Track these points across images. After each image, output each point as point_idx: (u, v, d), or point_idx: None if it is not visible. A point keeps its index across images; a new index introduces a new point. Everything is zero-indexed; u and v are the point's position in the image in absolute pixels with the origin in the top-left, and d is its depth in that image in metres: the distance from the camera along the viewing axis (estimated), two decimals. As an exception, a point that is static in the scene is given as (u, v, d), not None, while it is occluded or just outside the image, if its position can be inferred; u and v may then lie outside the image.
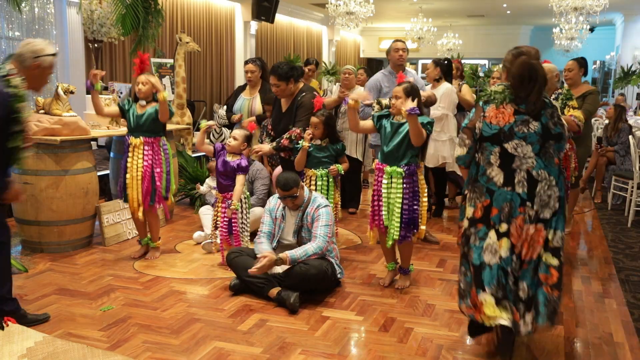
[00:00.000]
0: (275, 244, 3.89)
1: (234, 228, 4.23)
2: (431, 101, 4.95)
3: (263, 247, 3.78)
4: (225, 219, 4.22)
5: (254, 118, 5.41)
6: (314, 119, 4.39)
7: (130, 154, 4.28)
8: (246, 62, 5.56)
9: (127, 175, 4.27)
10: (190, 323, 3.32)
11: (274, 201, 3.98)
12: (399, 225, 3.73)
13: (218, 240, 4.39)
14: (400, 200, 3.72)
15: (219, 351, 2.99)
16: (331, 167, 4.38)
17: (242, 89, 5.74)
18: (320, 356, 2.98)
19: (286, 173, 3.90)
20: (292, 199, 3.80)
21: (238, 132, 4.31)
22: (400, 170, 3.71)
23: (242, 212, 4.26)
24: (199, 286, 3.92)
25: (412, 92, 3.72)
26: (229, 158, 4.28)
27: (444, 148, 5.65)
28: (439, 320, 3.44)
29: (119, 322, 3.30)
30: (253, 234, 4.22)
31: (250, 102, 5.54)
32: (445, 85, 5.67)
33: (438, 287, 3.99)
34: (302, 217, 3.84)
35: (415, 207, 3.77)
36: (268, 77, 5.48)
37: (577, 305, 3.75)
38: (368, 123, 3.96)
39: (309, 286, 3.64)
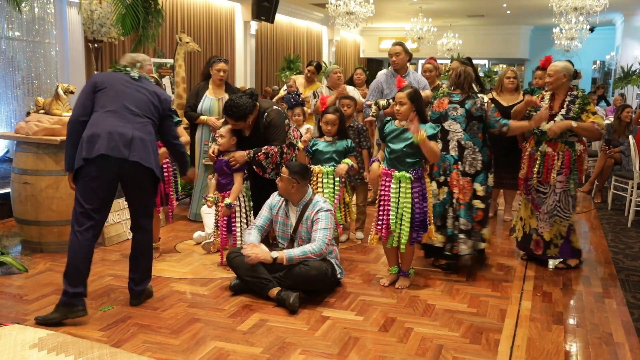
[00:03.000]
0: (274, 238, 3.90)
1: (232, 227, 4.21)
2: (428, 102, 4.94)
3: (250, 238, 3.80)
4: (225, 218, 4.21)
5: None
6: (330, 117, 4.38)
7: None
8: (218, 60, 5.34)
9: None
10: (190, 323, 3.32)
11: (278, 197, 3.97)
12: (408, 229, 3.75)
13: (217, 239, 4.37)
14: (410, 205, 3.73)
15: (219, 351, 2.99)
16: (338, 167, 4.36)
17: (203, 87, 5.43)
18: (320, 356, 2.98)
19: (302, 164, 3.96)
20: (282, 182, 3.78)
21: (223, 130, 4.23)
22: (409, 175, 3.72)
23: (241, 210, 4.24)
24: (199, 286, 3.92)
25: (415, 97, 3.74)
26: (222, 157, 4.27)
27: None
28: (439, 320, 3.44)
29: (119, 322, 3.30)
30: None
31: (220, 103, 5.29)
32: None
33: (438, 287, 3.99)
34: (300, 217, 3.84)
35: (425, 209, 3.79)
36: (232, 76, 5.43)
37: (577, 305, 3.75)
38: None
39: (310, 287, 3.64)
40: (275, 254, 3.61)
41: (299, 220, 3.83)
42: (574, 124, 4.13)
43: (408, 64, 5.43)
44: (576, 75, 4.47)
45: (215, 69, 5.32)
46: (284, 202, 3.92)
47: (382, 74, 5.50)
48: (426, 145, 3.62)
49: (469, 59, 6.02)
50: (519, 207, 4.67)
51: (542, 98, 4.40)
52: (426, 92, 4.92)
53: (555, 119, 4.25)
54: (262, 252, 3.62)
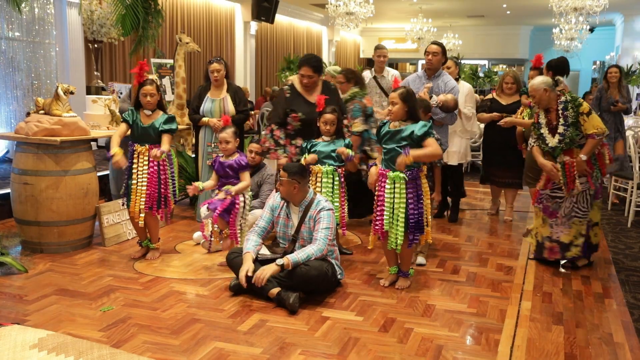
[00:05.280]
0: (275, 240, 3.89)
1: (230, 222, 4.17)
2: (448, 106, 4.93)
3: (248, 246, 3.78)
4: (224, 206, 4.13)
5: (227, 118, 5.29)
6: (329, 117, 4.38)
7: (135, 161, 4.28)
8: (211, 62, 5.36)
9: (133, 182, 4.27)
10: (190, 323, 3.32)
11: (279, 199, 3.97)
12: (403, 230, 3.74)
13: (216, 239, 4.34)
14: (404, 206, 3.73)
15: (219, 351, 2.99)
16: (339, 149, 4.32)
17: (205, 89, 5.46)
18: (320, 356, 2.97)
19: (299, 164, 3.97)
20: (283, 186, 3.79)
21: (227, 135, 4.20)
22: (402, 175, 3.71)
23: (244, 209, 4.24)
24: (198, 286, 3.93)
25: (407, 97, 3.74)
26: (223, 159, 4.26)
27: (464, 148, 5.70)
28: (438, 321, 3.44)
29: (119, 323, 3.30)
30: None
31: (221, 103, 5.32)
32: (466, 85, 5.70)
33: (438, 288, 3.99)
34: (302, 217, 3.84)
35: (420, 210, 3.77)
36: (232, 76, 5.46)
37: (577, 305, 3.75)
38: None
39: (310, 287, 3.64)
40: (280, 261, 3.60)
41: (302, 220, 3.83)
42: (583, 157, 4.18)
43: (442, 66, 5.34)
44: (556, 83, 4.41)
45: (209, 70, 5.35)
46: (285, 204, 3.92)
47: (413, 75, 5.45)
48: (418, 159, 3.66)
49: (457, 58, 6.09)
50: (534, 216, 4.67)
51: (538, 116, 4.41)
52: (447, 97, 4.92)
53: (558, 131, 4.25)
54: (268, 270, 3.58)
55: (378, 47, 6.30)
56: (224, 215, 4.14)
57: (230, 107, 5.30)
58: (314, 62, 4.49)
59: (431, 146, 3.67)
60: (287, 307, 3.49)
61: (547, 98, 4.28)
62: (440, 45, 5.19)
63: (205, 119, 5.34)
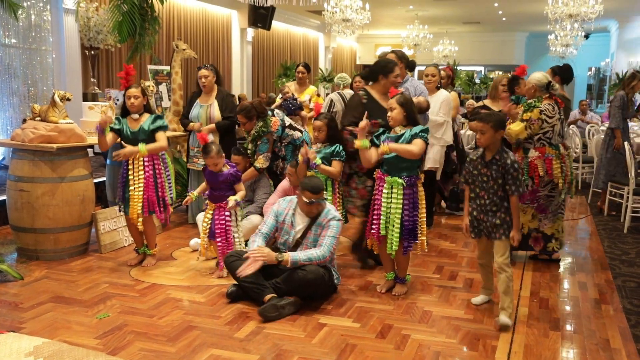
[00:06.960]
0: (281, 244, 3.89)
1: (228, 236, 4.17)
2: (421, 108, 4.94)
3: (254, 246, 3.75)
4: (221, 227, 4.17)
5: (212, 126, 5.38)
6: (317, 123, 4.39)
7: (130, 166, 4.28)
8: (199, 68, 5.50)
9: (130, 188, 4.26)
10: (186, 330, 3.31)
11: (284, 205, 3.95)
12: (399, 236, 3.74)
13: (210, 247, 4.34)
14: (400, 211, 3.73)
15: (215, 359, 2.98)
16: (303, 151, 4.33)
17: (196, 95, 5.61)
18: (317, 363, 2.97)
19: (310, 178, 3.89)
20: (319, 204, 3.77)
21: (212, 158, 4.11)
22: (400, 181, 3.72)
23: (236, 221, 4.24)
24: (195, 293, 3.91)
25: (404, 102, 3.77)
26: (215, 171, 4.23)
27: (438, 154, 5.66)
28: (435, 327, 3.44)
29: (115, 330, 3.29)
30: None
31: (208, 109, 5.44)
32: (444, 93, 5.68)
33: (435, 294, 3.99)
34: (310, 224, 3.82)
35: (415, 217, 3.78)
36: (222, 82, 5.52)
37: (574, 311, 3.76)
38: (373, 151, 3.88)
39: (307, 292, 3.64)
40: (279, 256, 3.61)
41: (309, 226, 3.81)
42: None
43: (407, 71, 5.38)
44: (548, 85, 4.46)
45: (198, 76, 5.48)
46: (291, 211, 3.90)
47: None
48: (395, 151, 3.70)
49: (448, 65, 6.12)
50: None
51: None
52: (419, 99, 4.92)
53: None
54: (267, 253, 3.61)
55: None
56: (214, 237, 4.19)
57: (216, 113, 5.41)
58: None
59: (415, 145, 3.68)
60: (258, 312, 3.49)
61: (531, 94, 4.49)
62: (394, 52, 5.22)
63: (191, 124, 5.48)
